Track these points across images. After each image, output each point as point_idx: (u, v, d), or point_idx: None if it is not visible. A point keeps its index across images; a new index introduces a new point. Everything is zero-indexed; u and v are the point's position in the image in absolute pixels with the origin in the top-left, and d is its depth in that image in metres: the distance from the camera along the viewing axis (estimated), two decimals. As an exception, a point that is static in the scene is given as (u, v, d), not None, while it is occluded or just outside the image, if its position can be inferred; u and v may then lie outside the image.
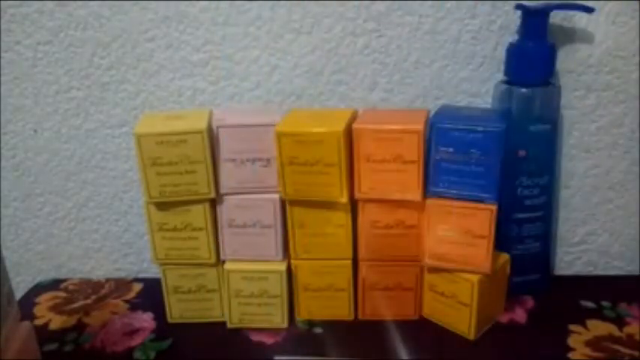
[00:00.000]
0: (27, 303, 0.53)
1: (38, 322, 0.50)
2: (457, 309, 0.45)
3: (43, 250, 0.58)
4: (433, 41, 0.49)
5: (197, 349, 0.46)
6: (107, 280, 0.57)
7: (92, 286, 0.56)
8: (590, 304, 0.50)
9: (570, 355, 0.44)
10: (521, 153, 0.47)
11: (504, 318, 0.48)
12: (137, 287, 0.56)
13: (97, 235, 0.57)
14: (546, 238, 0.50)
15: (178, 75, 0.51)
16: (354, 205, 0.45)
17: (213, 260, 0.47)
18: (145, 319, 0.50)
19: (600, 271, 0.56)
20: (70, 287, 0.56)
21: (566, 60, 0.49)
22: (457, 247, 0.44)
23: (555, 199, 0.52)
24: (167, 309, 0.49)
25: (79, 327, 0.50)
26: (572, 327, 0.47)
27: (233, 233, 0.46)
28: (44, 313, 0.52)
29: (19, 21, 0.50)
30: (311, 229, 0.46)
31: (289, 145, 0.43)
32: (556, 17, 0.47)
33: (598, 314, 0.48)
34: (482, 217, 0.43)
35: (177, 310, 0.49)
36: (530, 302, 0.50)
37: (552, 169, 0.49)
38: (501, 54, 0.48)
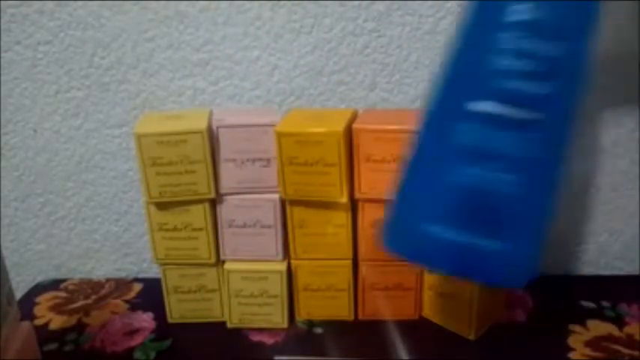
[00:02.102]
0: (27, 303, 0.53)
1: (38, 322, 0.50)
2: (457, 309, 0.45)
3: (43, 250, 0.58)
4: (433, 41, 0.49)
5: (197, 349, 0.46)
6: (107, 280, 0.57)
7: (92, 286, 0.56)
8: (590, 304, 0.50)
9: (570, 355, 0.44)
10: None
11: (504, 318, 0.48)
12: (137, 287, 0.56)
13: (97, 235, 0.57)
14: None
15: (178, 75, 0.51)
16: (354, 205, 0.45)
17: (213, 260, 0.47)
18: (145, 319, 0.50)
19: (600, 271, 0.56)
20: (70, 287, 0.56)
21: (566, 60, 0.49)
22: (457, 247, 0.44)
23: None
24: (167, 309, 0.49)
25: (79, 327, 0.50)
26: (572, 327, 0.47)
27: (233, 233, 0.46)
28: (44, 313, 0.52)
29: (19, 21, 0.50)
30: (311, 229, 0.46)
31: (289, 145, 0.43)
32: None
33: (598, 314, 0.48)
34: (482, 217, 0.43)
35: (177, 310, 0.49)
36: (530, 302, 0.50)
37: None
38: (501, 54, 0.48)
